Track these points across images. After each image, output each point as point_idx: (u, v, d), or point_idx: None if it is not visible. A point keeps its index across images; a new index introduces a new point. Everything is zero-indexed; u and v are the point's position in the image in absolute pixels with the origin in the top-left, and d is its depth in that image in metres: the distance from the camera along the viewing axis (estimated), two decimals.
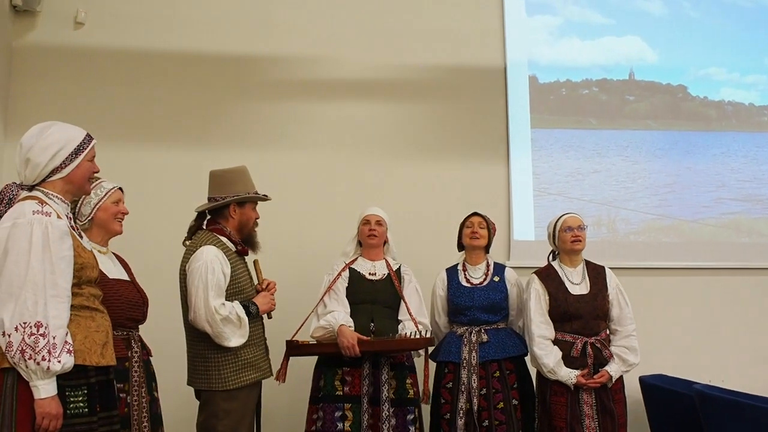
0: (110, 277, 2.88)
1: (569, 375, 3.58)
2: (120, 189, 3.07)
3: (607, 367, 3.60)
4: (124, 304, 2.89)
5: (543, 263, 3.92)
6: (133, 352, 2.93)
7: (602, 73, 5.29)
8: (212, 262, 3.13)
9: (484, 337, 3.70)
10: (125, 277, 3.02)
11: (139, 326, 3.07)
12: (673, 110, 5.32)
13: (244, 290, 3.27)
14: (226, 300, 3.17)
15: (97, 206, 2.96)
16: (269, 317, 3.40)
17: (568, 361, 3.61)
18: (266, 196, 3.44)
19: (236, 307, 3.15)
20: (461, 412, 3.59)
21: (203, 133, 4.81)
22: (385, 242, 3.87)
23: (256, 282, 3.42)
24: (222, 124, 4.84)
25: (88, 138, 2.47)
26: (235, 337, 3.13)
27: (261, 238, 3.59)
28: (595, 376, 3.58)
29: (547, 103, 5.21)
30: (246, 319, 3.16)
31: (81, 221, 2.95)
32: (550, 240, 3.89)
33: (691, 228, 5.13)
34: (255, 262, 3.44)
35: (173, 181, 4.64)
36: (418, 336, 3.56)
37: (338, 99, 4.97)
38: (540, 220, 4.96)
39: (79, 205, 2.95)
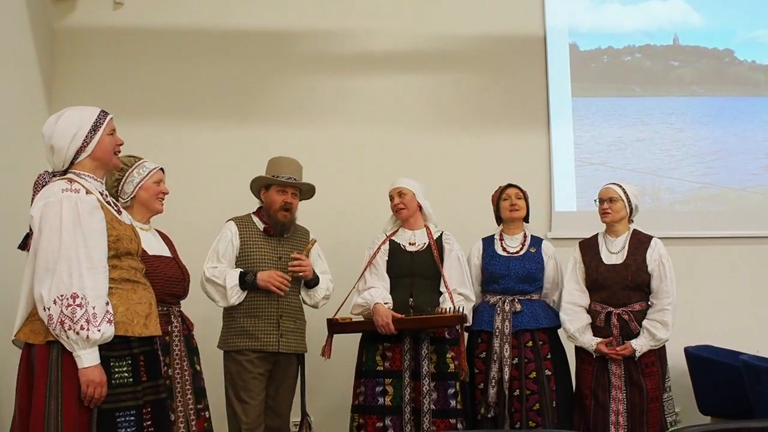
0: (150, 253, 2.96)
1: (591, 342, 3.58)
2: (161, 169, 3.14)
3: (632, 341, 3.55)
4: (163, 279, 2.97)
5: (585, 234, 3.89)
6: (173, 326, 3.02)
7: (645, 39, 5.16)
8: (222, 233, 3.54)
9: (518, 307, 3.70)
10: (167, 253, 3.09)
11: (181, 302, 3.16)
12: (720, 75, 5.17)
13: (255, 263, 3.49)
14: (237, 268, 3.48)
15: (139, 185, 3.04)
16: (309, 303, 3.64)
17: (594, 330, 3.61)
18: (281, 178, 3.53)
19: (228, 273, 3.42)
20: (493, 381, 3.60)
21: (243, 110, 4.84)
22: (421, 209, 3.82)
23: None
24: (262, 101, 4.86)
25: (103, 113, 2.52)
26: (221, 299, 3.44)
27: (302, 214, 3.68)
28: (617, 348, 3.55)
29: (588, 71, 5.11)
30: (231, 283, 3.39)
31: (123, 199, 3.03)
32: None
33: (738, 196, 5.00)
34: (311, 242, 3.63)
35: (215, 158, 4.69)
36: (452, 312, 3.55)
37: (377, 71, 4.95)
38: (582, 190, 4.90)
39: (122, 184, 3.03)
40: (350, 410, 3.67)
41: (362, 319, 3.66)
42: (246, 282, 3.41)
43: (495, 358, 3.63)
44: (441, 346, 3.63)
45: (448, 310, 3.57)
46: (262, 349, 3.44)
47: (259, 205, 3.65)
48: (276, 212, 3.53)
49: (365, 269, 3.72)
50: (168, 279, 3.01)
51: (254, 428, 3.41)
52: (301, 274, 3.51)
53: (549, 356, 3.70)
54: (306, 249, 3.56)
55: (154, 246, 3.04)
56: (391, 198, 3.81)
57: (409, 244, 3.77)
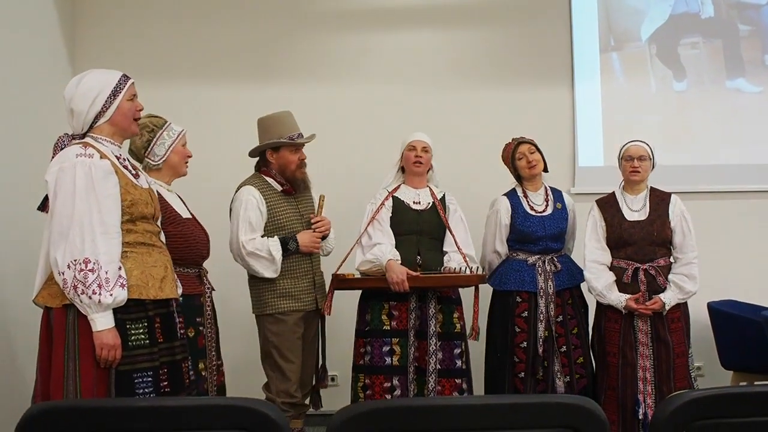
0: (183, 216, 2.99)
1: (619, 299, 3.58)
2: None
3: (660, 295, 3.56)
4: (198, 242, 3.02)
5: (608, 189, 3.86)
6: (206, 287, 3.07)
7: None
8: (247, 201, 3.40)
9: (558, 266, 3.72)
10: (188, 215, 3.11)
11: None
12: None
13: (285, 226, 3.47)
14: (268, 235, 3.43)
15: (171, 148, 3.04)
16: (324, 253, 3.60)
17: (620, 286, 3.61)
18: (297, 139, 3.49)
19: (271, 243, 3.37)
20: (540, 339, 3.62)
21: (262, 68, 4.82)
22: (429, 169, 3.78)
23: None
24: (281, 59, 4.84)
25: (125, 78, 2.51)
26: (266, 271, 3.39)
27: (318, 170, 3.68)
28: (647, 303, 3.56)
29: (615, 23, 4.99)
30: (278, 254, 3.37)
31: (154, 161, 3.03)
32: (618, 165, 3.84)
33: (761, 150, 4.88)
34: (320, 198, 3.56)
35: (234, 117, 4.69)
36: (468, 272, 3.54)
37: (397, 27, 4.90)
38: (609, 145, 4.81)
39: (152, 145, 3.02)
40: (352, 369, 3.64)
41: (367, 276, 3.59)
42: (289, 249, 3.42)
43: (541, 318, 3.65)
44: (448, 305, 3.61)
45: (462, 269, 3.56)
46: (303, 308, 3.47)
47: (260, 166, 3.59)
48: (294, 171, 3.51)
49: (368, 224, 3.64)
50: (200, 241, 3.05)
51: (299, 387, 3.46)
52: (326, 231, 3.54)
53: (583, 310, 3.78)
54: (320, 206, 3.54)
55: (182, 209, 3.06)
56: (413, 148, 3.70)
57: (414, 202, 3.70)
